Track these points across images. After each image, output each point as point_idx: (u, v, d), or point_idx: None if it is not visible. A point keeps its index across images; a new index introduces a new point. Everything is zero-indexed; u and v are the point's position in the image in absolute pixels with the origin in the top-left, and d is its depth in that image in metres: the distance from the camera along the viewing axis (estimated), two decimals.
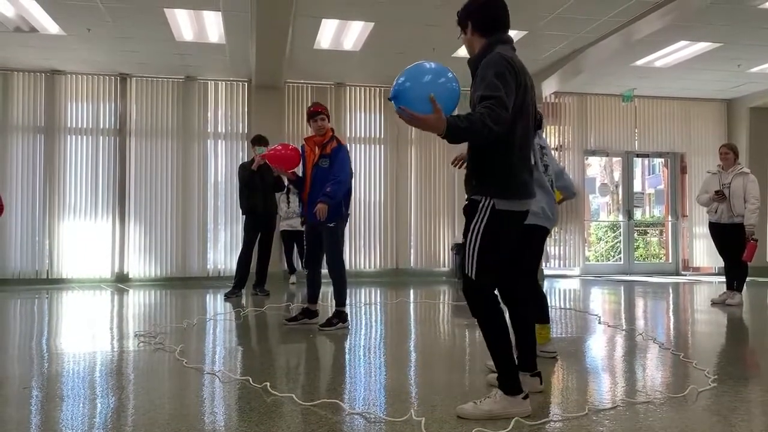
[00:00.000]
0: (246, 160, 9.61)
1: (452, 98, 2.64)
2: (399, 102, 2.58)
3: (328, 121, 5.44)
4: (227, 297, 7.53)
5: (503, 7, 2.97)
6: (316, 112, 5.39)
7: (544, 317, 4.18)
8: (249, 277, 7.80)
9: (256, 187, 7.61)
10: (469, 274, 2.85)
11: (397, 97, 2.61)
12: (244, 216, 7.84)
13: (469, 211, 2.90)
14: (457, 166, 3.82)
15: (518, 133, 2.82)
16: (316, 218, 5.22)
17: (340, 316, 5.36)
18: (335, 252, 5.35)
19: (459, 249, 10.48)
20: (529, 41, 8.13)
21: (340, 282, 5.38)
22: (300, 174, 5.53)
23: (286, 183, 7.72)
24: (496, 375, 3.39)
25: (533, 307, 4.07)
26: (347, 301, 5.54)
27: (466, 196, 2.98)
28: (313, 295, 5.58)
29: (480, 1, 2.98)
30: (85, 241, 9.75)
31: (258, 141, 7.80)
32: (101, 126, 9.96)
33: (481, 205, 2.83)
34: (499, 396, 2.84)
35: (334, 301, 5.46)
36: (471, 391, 3.34)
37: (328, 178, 5.25)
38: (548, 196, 3.96)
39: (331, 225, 5.26)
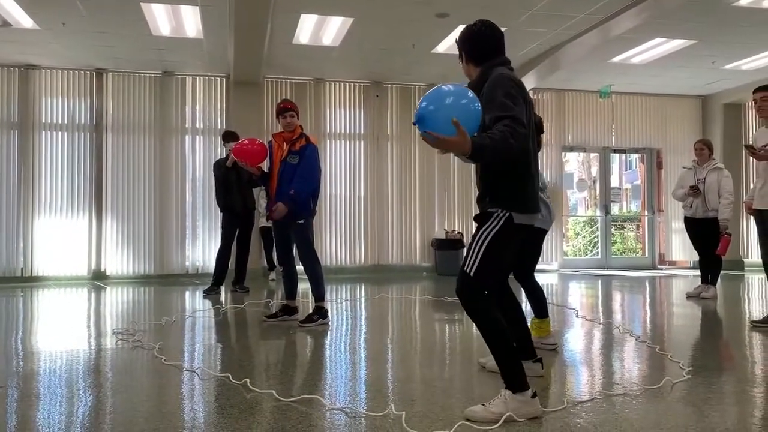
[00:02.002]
0: (223, 156, 9.52)
1: (475, 118, 2.65)
2: (424, 126, 2.57)
3: (298, 118, 5.44)
4: (206, 294, 7.49)
5: (494, 37, 3.05)
6: (286, 109, 5.38)
7: (543, 312, 4.31)
8: (228, 274, 7.77)
9: (233, 185, 7.55)
10: (468, 271, 2.81)
11: (422, 121, 2.59)
12: (222, 213, 7.80)
13: (484, 217, 2.90)
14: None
15: (531, 149, 2.90)
16: (286, 215, 5.25)
17: (319, 312, 5.36)
18: (307, 248, 5.36)
19: (439, 245, 10.55)
20: (508, 38, 8.05)
21: (316, 277, 5.38)
22: (266, 169, 5.52)
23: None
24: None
25: (533, 301, 4.34)
26: (326, 297, 5.55)
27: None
28: (290, 292, 5.58)
29: (470, 33, 3.07)
30: (61, 239, 9.62)
31: (229, 137, 7.70)
32: (77, 122, 9.82)
33: (497, 213, 2.84)
34: (509, 396, 2.75)
35: (313, 298, 5.46)
36: (450, 386, 3.36)
37: (295, 174, 5.26)
38: (543, 200, 4.10)
39: (301, 222, 5.27)
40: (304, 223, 5.30)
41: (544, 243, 4.52)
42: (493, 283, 2.94)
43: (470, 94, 2.67)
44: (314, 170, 5.35)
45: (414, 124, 2.64)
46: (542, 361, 3.52)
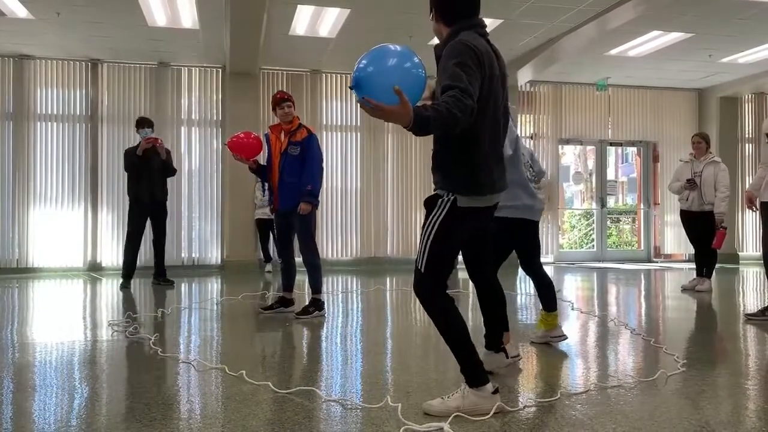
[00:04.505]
0: (213, 147, 9.52)
1: (418, 86, 2.44)
2: (361, 91, 2.35)
3: (294, 109, 5.42)
4: (122, 288, 7.38)
5: None
6: (282, 99, 5.36)
7: (550, 305, 4.20)
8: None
9: (141, 174, 7.39)
10: (420, 267, 2.73)
11: (359, 86, 2.36)
12: (129, 204, 7.60)
13: (430, 204, 2.77)
14: None
15: (486, 125, 2.69)
16: (286, 206, 5.26)
17: (316, 304, 5.37)
18: (308, 239, 5.35)
19: None
20: (505, 30, 8.15)
21: (314, 269, 5.37)
22: (261, 162, 5.52)
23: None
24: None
25: (540, 293, 4.26)
26: (323, 289, 5.55)
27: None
28: (288, 284, 5.58)
29: None
30: (56, 230, 9.59)
31: (142, 124, 7.55)
32: (72, 112, 9.77)
33: (441, 200, 2.71)
34: (468, 391, 2.70)
35: (310, 289, 5.46)
36: (446, 378, 3.37)
37: (297, 165, 5.25)
38: (527, 190, 3.97)
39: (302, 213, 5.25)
40: (307, 214, 5.29)
41: (540, 235, 4.42)
42: (446, 271, 2.78)
43: (416, 58, 2.47)
44: (320, 163, 5.39)
45: (351, 88, 2.40)
46: (506, 351, 3.46)
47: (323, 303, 5.46)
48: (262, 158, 5.63)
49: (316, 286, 5.38)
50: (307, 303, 5.43)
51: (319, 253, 5.50)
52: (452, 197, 2.69)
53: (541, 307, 4.29)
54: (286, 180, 5.28)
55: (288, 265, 5.57)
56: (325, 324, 5.17)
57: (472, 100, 2.46)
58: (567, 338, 4.27)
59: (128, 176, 7.58)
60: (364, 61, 2.41)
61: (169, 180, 9.30)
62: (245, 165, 5.46)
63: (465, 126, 2.49)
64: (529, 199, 3.97)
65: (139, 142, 7.48)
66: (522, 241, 4.13)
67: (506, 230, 3.94)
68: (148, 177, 7.44)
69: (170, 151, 7.79)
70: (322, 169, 5.47)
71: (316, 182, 5.33)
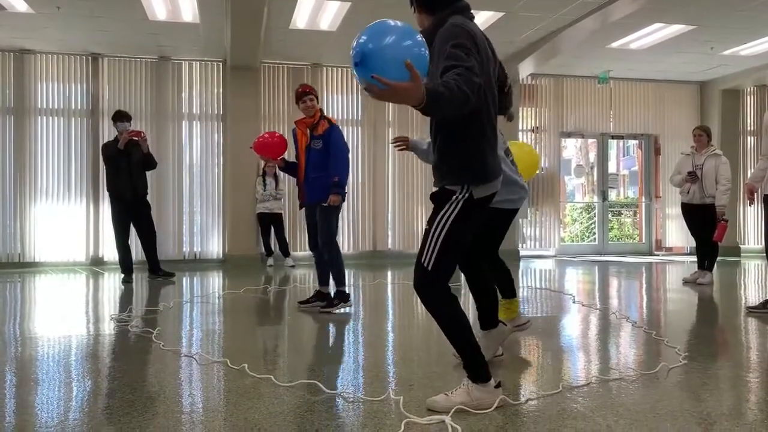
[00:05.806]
0: (214, 141, 9.50)
1: (421, 66, 2.21)
2: (368, 68, 2.12)
3: (318, 102, 5.40)
4: (125, 282, 7.39)
5: None
6: (304, 93, 5.32)
7: (510, 291, 4.14)
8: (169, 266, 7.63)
9: (122, 169, 7.27)
10: (425, 265, 2.60)
11: (364, 62, 2.14)
12: (111, 201, 7.49)
13: (441, 198, 2.63)
14: (397, 148, 4.23)
15: (485, 110, 2.60)
16: (313, 200, 5.24)
17: (341, 296, 5.33)
18: (328, 232, 5.28)
19: None
20: (506, 23, 8.13)
21: (334, 264, 5.32)
22: (288, 159, 5.50)
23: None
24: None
25: (498, 280, 4.11)
26: (346, 281, 5.46)
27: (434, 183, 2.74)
28: (323, 278, 5.51)
29: None
30: (58, 225, 9.60)
31: (119, 117, 7.45)
32: (73, 107, 9.77)
33: (456, 195, 2.59)
34: (471, 386, 2.69)
35: (333, 282, 5.41)
36: (447, 372, 3.38)
37: (321, 159, 5.20)
38: (518, 181, 3.92)
39: (325, 204, 5.21)
40: (329, 206, 5.21)
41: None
42: (452, 270, 2.66)
43: (418, 36, 2.29)
44: (345, 153, 5.31)
45: (356, 64, 2.17)
46: (504, 323, 3.53)
47: (349, 295, 5.41)
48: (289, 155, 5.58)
49: (338, 279, 5.33)
50: (332, 295, 5.38)
51: (338, 247, 5.39)
52: (467, 192, 2.59)
53: (500, 297, 4.02)
54: (311, 175, 5.23)
55: (320, 258, 5.48)
56: (326, 318, 5.17)
57: (478, 78, 2.36)
58: (531, 324, 4.22)
59: (107, 171, 7.46)
60: (366, 36, 2.21)
61: (170, 173, 9.28)
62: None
63: (473, 107, 2.38)
64: (521, 189, 3.92)
65: (116, 136, 7.41)
66: (500, 230, 3.96)
67: (498, 219, 3.83)
68: (128, 171, 7.32)
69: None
70: (348, 159, 5.36)
71: (343, 173, 5.23)
